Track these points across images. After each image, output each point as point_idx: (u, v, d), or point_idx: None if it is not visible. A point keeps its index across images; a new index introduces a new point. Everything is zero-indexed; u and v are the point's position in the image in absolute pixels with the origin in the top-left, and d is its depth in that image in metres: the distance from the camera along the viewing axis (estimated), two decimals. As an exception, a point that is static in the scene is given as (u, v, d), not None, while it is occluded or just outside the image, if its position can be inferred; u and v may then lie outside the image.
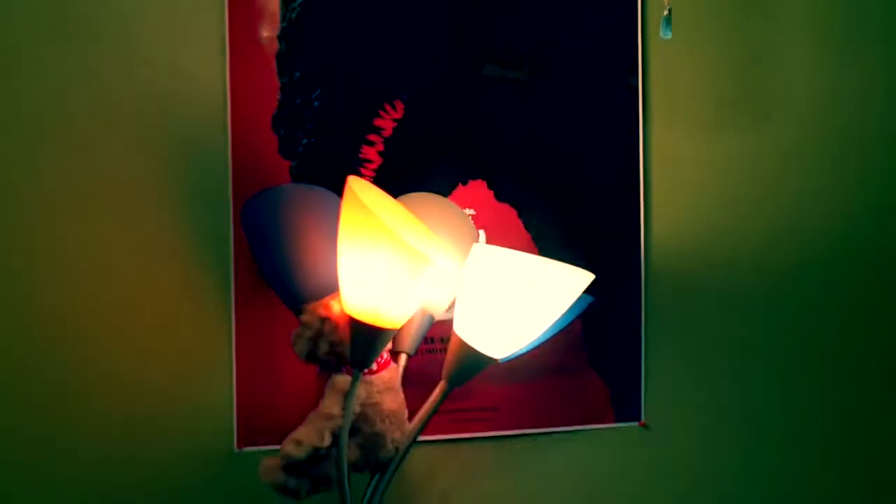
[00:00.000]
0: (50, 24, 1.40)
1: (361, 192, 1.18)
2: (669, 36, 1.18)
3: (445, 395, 1.27)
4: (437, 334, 1.51)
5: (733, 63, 1.66)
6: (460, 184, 1.55)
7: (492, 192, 1.56)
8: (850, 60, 1.71)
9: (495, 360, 1.24)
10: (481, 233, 1.52)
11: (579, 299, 1.27)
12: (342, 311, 1.25)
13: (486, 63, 1.55)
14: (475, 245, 1.24)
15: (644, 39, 1.61)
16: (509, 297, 1.18)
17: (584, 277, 1.21)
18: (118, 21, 1.43)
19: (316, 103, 1.48)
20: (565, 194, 1.59)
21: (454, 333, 1.25)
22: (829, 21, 1.69)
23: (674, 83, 1.63)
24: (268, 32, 1.46)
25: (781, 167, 1.69)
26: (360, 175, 1.49)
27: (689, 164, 1.65)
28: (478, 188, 1.55)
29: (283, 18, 1.47)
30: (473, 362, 1.23)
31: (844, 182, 1.72)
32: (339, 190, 1.42)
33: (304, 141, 1.47)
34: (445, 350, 1.50)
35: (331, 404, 1.25)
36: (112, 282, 1.43)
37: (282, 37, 1.47)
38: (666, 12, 1.18)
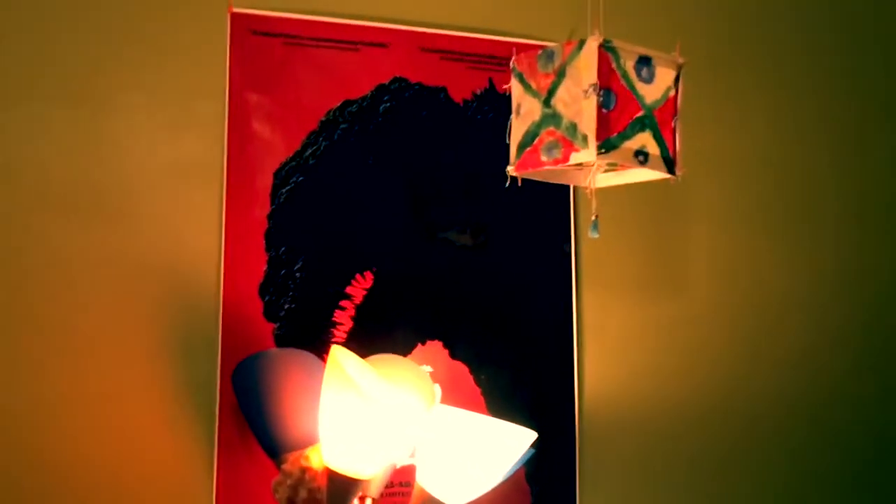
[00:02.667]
0: (65, 199, 1.62)
1: (344, 361, 1.40)
2: (597, 236, 1.45)
3: (407, 536, 1.46)
4: (396, 479, 1.71)
5: (651, 246, 1.97)
6: (419, 343, 1.78)
7: (447, 350, 1.80)
8: (743, 248, 2.04)
9: (451, 506, 1.45)
10: (437, 388, 1.75)
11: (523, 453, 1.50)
12: (320, 461, 1.45)
13: (440, 232, 1.82)
14: (434, 406, 1.47)
15: (577, 216, 1.90)
16: (464, 452, 1.40)
17: (528, 435, 1.44)
18: (127, 197, 1.65)
19: (297, 274, 1.72)
20: (510, 350, 1.84)
21: (416, 483, 1.46)
22: (726, 215, 2.03)
23: (602, 254, 1.93)
24: (259, 213, 1.71)
25: (692, 327, 1.98)
26: (333, 337, 1.72)
27: (616, 327, 1.92)
28: (434, 347, 1.79)
29: (273, 201, 1.72)
30: (433, 508, 1.44)
31: (736, 339, 2.02)
32: (315, 348, 1.64)
33: (287, 306, 1.70)
34: (404, 493, 1.69)
35: (307, 545, 1.43)
36: (102, 426, 1.59)
37: (271, 216, 1.72)
38: (594, 217, 1.45)
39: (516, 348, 1.84)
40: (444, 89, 1.85)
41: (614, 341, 1.92)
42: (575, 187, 1.89)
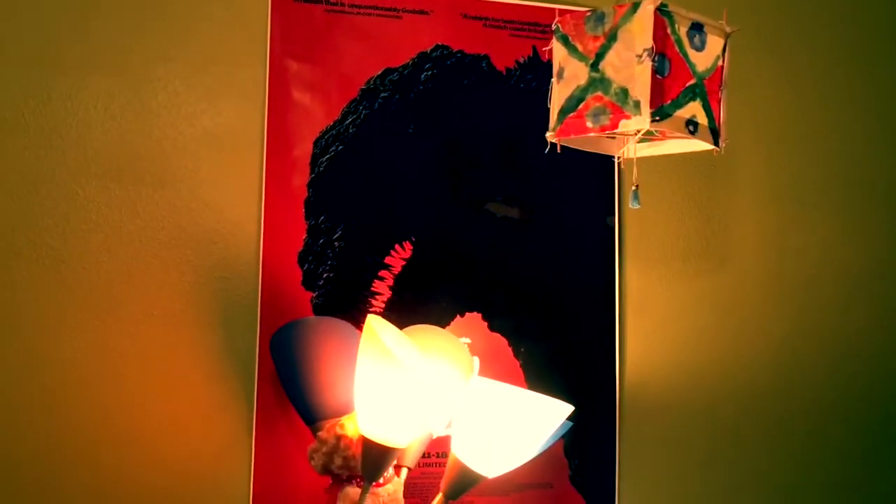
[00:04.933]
0: (108, 167, 1.63)
1: (380, 330, 1.39)
2: (637, 206, 1.42)
3: (442, 507, 1.46)
4: (433, 450, 1.70)
5: (695, 218, 1.91)
6: (458, 315, 1.76)
7: (486, 322, 1.78)
8: (791, 220, 1.97)
9: (487, 478, 1.43)
10: (476, 360, 1.73)
11: (560, 426, 1.48)
12: (356, 430, 1.44)
13: (482, 204, 1.79)
14: (472, 377, 1.45)
15: (621, 189, 1.86)
16: (500, 424, 1.38)
17: (565, 409, 1.41)
18: (167, 166, 1.66)
19: (336, 243, 1.71)
20: (550, 324, 1.81)
21: (451, 454, 1.45)
22: (773, 186, 1.97)
23: (646, 227, 1.88)
24: (299, 182, 1.70)
25: (734, 304, 1.93)
26: (370, 306, 1.71)
27: (659, 299, 1.88)
28: (473, 319, 1.77)
29: (313, 170, 1.71)
30: (469, 479, 1.42)
31: (785, 314, 1.96)
32: (353, 317, 1.63)
33: (325, 275, 1.70)
34: (441, 464, 1.69)
35: (342, 513, 1.43)
36: (141, 392, 1.61)
37: (311, 185, 1.71)
38: (634, 187, 1.41)
39: (557, 322, 1.81)
40: (486, 57, 1.82)
41: (657, 316, 1.88)
42: (617, 159, 1.85)
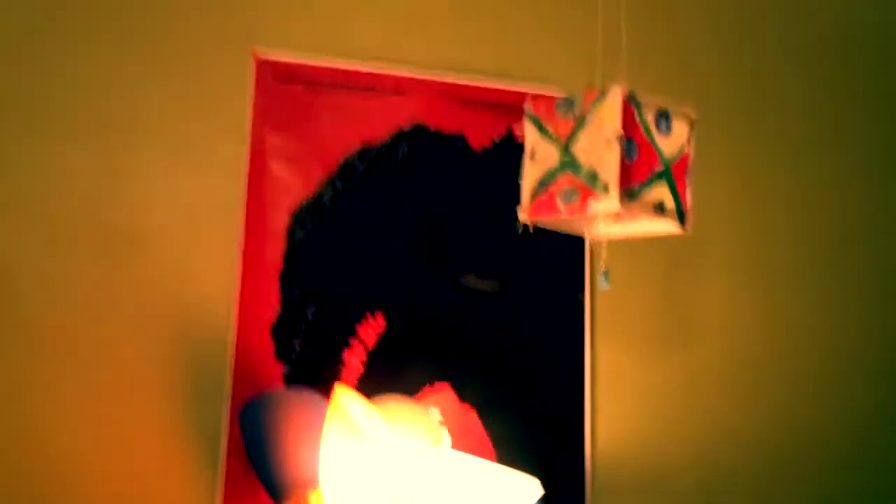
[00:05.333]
0: (76, 236, 1.63)
1: (347, 402, 1.39)
2: (607, 287, 1.45)
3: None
4: (402, 526, 1.68)
5: (665, 299, 1.95)
6: (427, 385, 1.77)
7: (455, 392, 1.78)
8: (759, 300, 2.01)
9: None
10: (446, 434, 1.73)
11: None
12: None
13: (457, 277, 1.82)
14: (439, 450, 1.44)
15: (592, 266, 1.90)
16: (469, 501, 1.38)
17: (535, 487, 1.41)
18: (143, 236, 1.67)
19: (309, 315, 1.72)
20: (521, 397, 1.82)
21: (420, 530, 1.43)
22: (742, 267, 2.02)
23: (616, 304, 1.91)
24: (274, 253, 1.72)
25: (705, 383, 1.95)
26: (341, 378, 1.71)
27: (630, 376, 1.90)
28: (443, 389, 1.77)
29: (289, 242, 1.73)
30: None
31: (757, 394, 1.98)
32: (324, 389, 1.63)
33: (298, 348, 1.70)
34: (409, 541, 1.66)
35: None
36: (109, 461, 1.59)
37: (287, 258, 1.73)
38: (604, 269, 1.45)
39: (527, 395, 1.82)
40: (462, 137, 1.87)
41: (627, 394, 1.89)
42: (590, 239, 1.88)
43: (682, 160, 1.43)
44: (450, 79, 1.87)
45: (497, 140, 1.89)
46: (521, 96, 1.88)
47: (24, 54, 1.64)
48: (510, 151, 1.89)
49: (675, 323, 1.96)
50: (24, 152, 1.62)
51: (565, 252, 1.89)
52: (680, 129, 1.42)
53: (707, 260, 1.99)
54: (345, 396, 1.38)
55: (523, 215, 1.44)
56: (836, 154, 2.14)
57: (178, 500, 1.60)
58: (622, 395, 1.89)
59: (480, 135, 1.88)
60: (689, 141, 1.43)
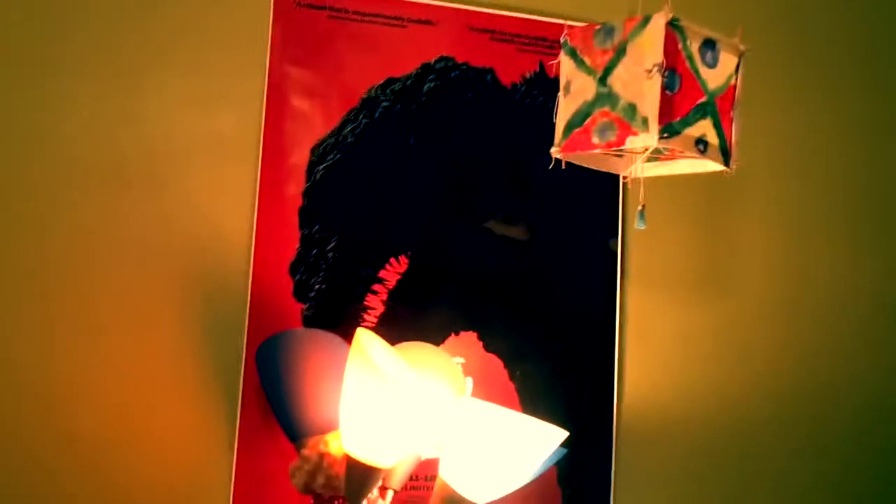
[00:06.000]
0: (94, 172, 1.58)
1: (369, 345, 1.34)
2: (643, 227, 1.37)
3: (428, 533, 1.39)
4: (421, 473, 1.63)
5: (701, 243, 1.86)
6: (452, 334, 1.71)
7: (482, 343, 1.72)
8: (799, 244, 1.92)
9: (476, 504, 1.37)
10: (469, 381, 1.67)
11: (554, 452, 1.41)
12: (340, 448, 1.38)
13: (482, 221, 1.74)
14: (462, 398, 1.39)
15: (625, 211, 1.81)
16: (491, 449, 1.32)
17: (559, 434, 1.35)
18: (157, 172, 1.61)
19: (330, 254, 1.66)
20: (547, 347, 1.75)
21: (439, 477, 1.39)
22: (781, 210, 1.92)
23: (649, 250, 1.83)
24: (294, 190, 1.66)
25: (739, 332, 1.87)
26: (362, 321, 1.65)
27: (660, 325, 1.83)
28: (468, 339, 1.71)
29: (309, 178, 1.66)
30: (456, 505, 1.36)
31: (792, 343, 1.90)
32: (344, 331, 1.58)
33: (317, 287, 1.64)
34: (428, 487, 1.62)
35: (322, 535, 1.37)
36: (123, 403, 1.55)
37: (306, 194, 1.66)
38: (640, 207, 1.37)
39: (554, 345, 1.76)
40: (491, 70, 1.78)
41: (658, 343, 1.82)
42: (624, 178, 1.80)
43: (727, 93, 1.33)
44: (481, 10, 1.77)
45: (528, 76, 1.80)
46: (555, 29, 1.79)
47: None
48: (542, 88, 1.80)
49: (709, 269, 1.88)
50: (39, 91, 1.56)
51: (596, 196, 1.80)
52: (727, 61, 1.32)
53: (744, 203, 1.90)
54: (367, 339, 1.32)
55: (556, 150, 1.36)
56: (881, 96, 2.02)
57: (195, 439, 1.57)
58: (652, 344, 1.82)
59: (511, 70, 1.79)
60: (736, 74, 1.33)
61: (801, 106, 1.97)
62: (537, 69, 1.80)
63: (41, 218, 1.55)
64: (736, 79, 1.34)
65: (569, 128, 1.35)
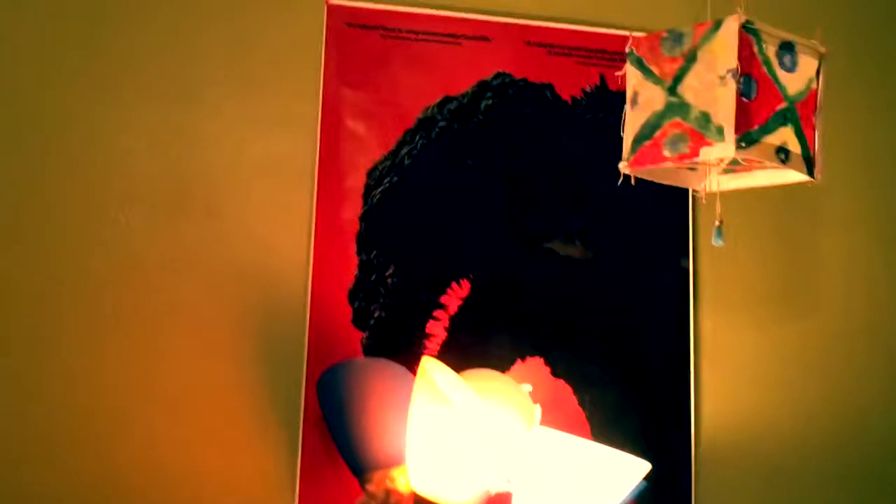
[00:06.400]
0: (153, 195, 1.56)
1: (436, 374, 1.28)
2: (721, 244, 1.29)
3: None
4: (491, 506, 1.56)
5: (779, 259, 1.76)
6: (518, 360, 1.64)
7: (549, 368, 1.65)
8: (886, 262, 1.80)
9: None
10: (538, 408, 1.60)
11: (635, 486, 1.33)
12: (407, 484, 1.32)
13: (544, 242, 1.68)
14: (534, 427, 1.32)
15: (696, 227, 1.73)
16: (568, 481, 1.25)
17: (640, 467, 1.27)
18: (215, 195, 1.58)
19: (389, 280, 1.61)
20: (618, 372, 1.67)
21: (512, 513, 1.31)
22: (866, 224, 1.80)
23: (723, 269, 1.74)
24: (350, 214, 1.61)
25: (821, 355, 1.76)
26: (425, 348, 1.59)
27: (738, 348, 1.73)
28: (535, 365, 1.64)
29: (366, 202, 1.62)
30: (531, 542, 1.29)
31: (879, 368, 1.78)
32: (406, 360, 1.52)
33: (376, 314, 1.59)
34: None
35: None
36: (184, 431, 1.52)
37: (363, 218, 1.61)
38: (717, 223, 1.29)
39: (625, 370, 1.67)
40: (550, 86, 1.72)
41: (736, 366, 1.73)
42: (695, 193, 1.71)
43: (809, 98, 1.25)
44: (538, 25, 1.72)
45: (589, 89, 1.73)
46: (615, 40, 1.73)
47: (96, 17, 1.56)
48: (603, 102, 1.73)
49: (787, 287, 1.77)
50: (99, 113, 1.56)
51: (666, 213, 1.72)
52: (807, 65, 1.24)
53: (822, 216, 1.79)
54: (433, 368, 1.26)
55: (624, 165, 1.29)
56: None
57: (255, 475, 1.52)
58: (730, 369, 1.72)
59: (570, 84, 1.72)
60: (817, 78, 1.25)
61: (880, 111, 1.86)
62: (598, 82, 1.73)
63: (100, 239, 1.53)
64: (817, 83, 1.26)
65: (637, 141, 1.28)
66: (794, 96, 1.24)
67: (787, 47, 1.23)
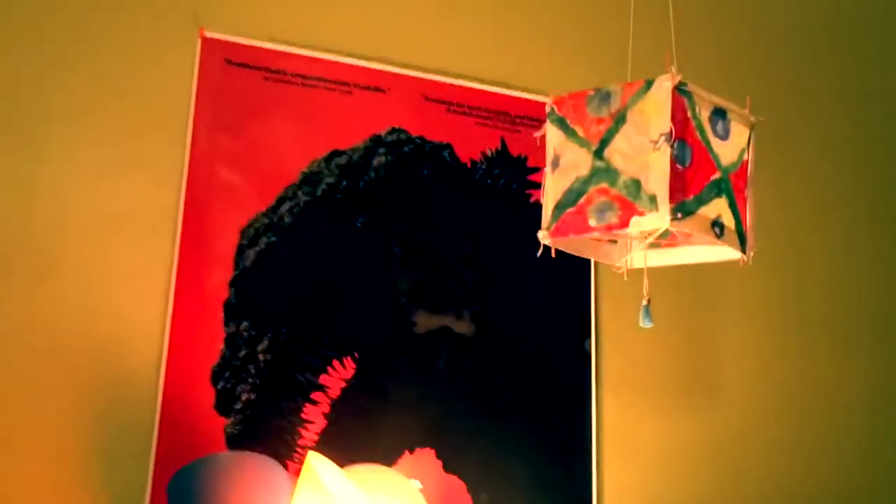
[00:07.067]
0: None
1: (323, 472, 1.06)
2: (649, 325, 1.17)
3: None
4: None
5: (682, 348, 1.65)
6: (407, 451, 1.44)
7: (440, 461, 1.45)
8: (789, 348, 1.74)
9: None
10: (428, 508, 1.40)
11: None
12: None
13: (438, 317, 1.50)
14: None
15: (598, 309, 1.60)
16: None
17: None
18: (57, 250, 1.32)
19: (261, 356, 1.38)
20: (516, 467, 1.50)
21: None
22: (768, 310, 1.74)
23: (627, 354, 1.62)
24: (218, 278, 1.38)
25: (728, 444, 1.66)
26: (300, 438, 1.36)
27: (643, 438, 1.60)
28: (425, 456, 1.44)
29: (238, 265, 1.39)
30: None
31: (785, 455, 1.70)
32: (278, 453, 1.29)
33: (245, 397, 1.35)
34: None
35: None
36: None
37: (233, 283, 1.39)
38: (645, 302, 1.16)
39: (524, 464, 1.50)
40: (449, 146, 1.57)
41: (641, 459, 1.59)
42: (598, 265, 1.60)
43: (741, 169, 1.16)
44: (437, 80, 1.58)
45: (490, 153, 1.60)
46: (520, 104, 1.61)
47: None
48: (505, 167, 1.60)
49: (693, 376, 1.67)
50: None
51: (568, 290, 1.59)
52: (738, 133, 1.15)
53: (730, 301, 1.71)
54: (320, 465, 1.04)
55: (545, 234, 1.14)
56: (882, 206, 1.90)
57: None
58: (636, 461, 1.59)
59: (470, 146, 1.59)
60: (748, 148, 1.17)
61: (785, 196, 1.83)
62: (498, 146, 1.60)
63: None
64: (749, 154, 1.17)
65: (560, 208, 1.15)
66: (728, 167, 1.14)
67: (719, 113, 1.14)
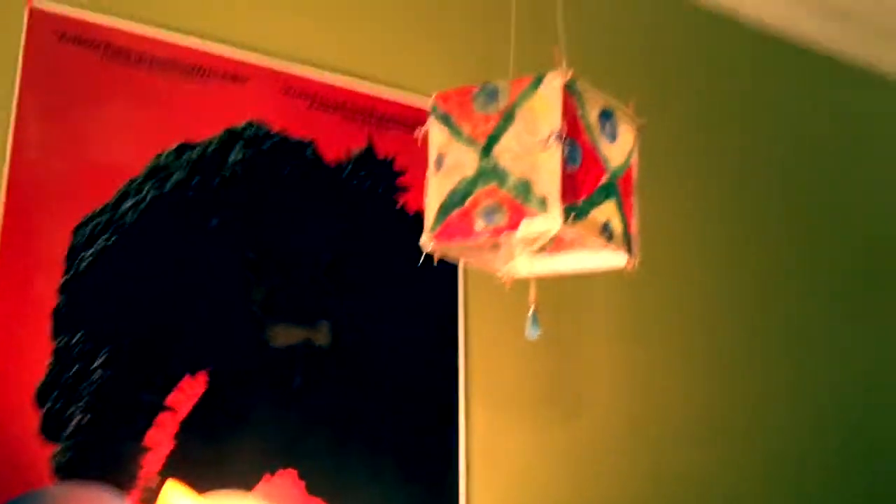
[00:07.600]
0: None
1: (176, 499, 0.92)
2: (537, 334, 1.11)
3: None
4: None
5: (547, 358, 1.62)
6: (267, 473, 1.31)
7: (303, 482, 1.33)
8: (651, 360, 1.74)
9: None
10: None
11: None
12: None
13: (296, 328, 1.39)
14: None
15: (466, 318, 1.54)
16: None
17: None
18: None
19: (97, 373, 1.20)
20: (382, 484, 1.40)
21: None
22: (632, 323, 1.74)
23: (493, 366, 1.56)
24: (45, 283, 1.19)
25: (590, 456, 1.65)
26: (142, 467, 1.20)
27: (510, 450, 1.55)
28: (287, 478, 1.32)
29: (70, 268, 1.22)
30: None
31: (645, 467, 1.70)
32: (117, 482, 1.14)
33: (77, 420, 1.18)
34: None
35: None
36: None
37: (64, 289, 1.21)
38: (532, 310, 1.11)
39: (391, 481, 1.41)
40: (312, 143, 1.46)
41: (508, 471, 1.54)
42: (466, 277, 1.54)
43: (627, 174, 1.13)
44: (301, 72, 1.46)
45: (356, 153, 1.50)
46: (389, 106, 1.53)
47: None
48: (371, 168, 1.51)
49: (558, 387, 1.64)
50: None
51: (432, 297, 1.52)
52: (625, 135, 1.13)
53: (595, 314, 1.70)
54: (177, 496, 0.91)
55: (428, 239, 1.06)
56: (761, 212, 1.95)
57: None
58: (503, 473, 1.53)
59: (335, 144, 1.48)
60: (634, 150, 1.14)
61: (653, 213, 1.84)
62: (365, 145, 1.51)
63: None
64: (634, 156, 1.15)
65: (444, 210, 1.08)
66: (616, 170, 1.11)
67: (606, 115, 1.11)
